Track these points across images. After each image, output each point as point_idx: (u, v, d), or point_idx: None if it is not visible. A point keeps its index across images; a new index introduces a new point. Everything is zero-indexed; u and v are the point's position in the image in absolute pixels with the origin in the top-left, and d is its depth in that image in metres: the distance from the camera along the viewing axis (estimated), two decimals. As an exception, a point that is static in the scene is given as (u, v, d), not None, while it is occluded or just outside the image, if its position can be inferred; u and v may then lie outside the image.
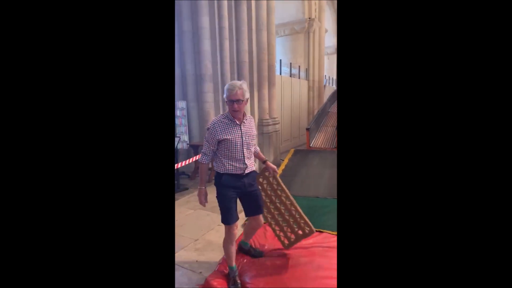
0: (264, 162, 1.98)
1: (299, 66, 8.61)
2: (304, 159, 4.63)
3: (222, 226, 2.86)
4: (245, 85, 1.64)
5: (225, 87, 1.64)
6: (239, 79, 4.81)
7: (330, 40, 13.57)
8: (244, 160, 1.69)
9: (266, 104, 5.30)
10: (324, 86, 10.42)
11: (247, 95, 1.65)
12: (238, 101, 1.59)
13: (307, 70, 9.04)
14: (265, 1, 5.02)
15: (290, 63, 8.13)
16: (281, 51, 8.84)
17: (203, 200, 1.77)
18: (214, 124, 1.66)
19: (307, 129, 5.74)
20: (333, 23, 13.64)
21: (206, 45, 4.33)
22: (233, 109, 1.62)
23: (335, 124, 6.44)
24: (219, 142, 1.66)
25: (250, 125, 1.73)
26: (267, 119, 5.25)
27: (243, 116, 1.70)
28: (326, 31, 10.76)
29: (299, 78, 8.37)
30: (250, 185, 1.78)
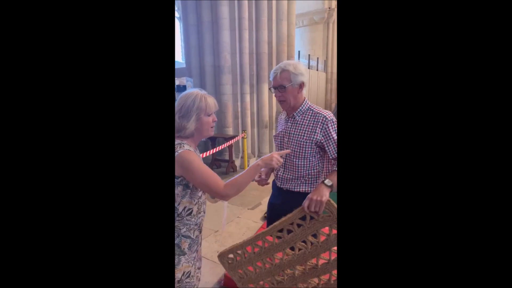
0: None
1: (318, 58, 8.41)
2: (323, 153, 4.54)
3: (242, 218, 2.87)
4: (298, 66, 1.18)
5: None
6: (258, 70, 4.75)
7: (349, 31, 13.15)
8: (279, 168, 1.26)
9: (284, 96, 5.22)
10: (343, 78, 10.15)
11: (301, 78, 1.16)
12: (280, 87, 1.17)
13: (325, 62, 8.82)
14: (285, -10, 4.89)
15: (309, 55, 7.96)
16: (299, 42, 8.65)
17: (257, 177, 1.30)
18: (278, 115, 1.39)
19: (326, 123, 5.61)
20: (353, 13, 13.17)
21: (226, 36, 4.28)
22: (277, 98, 1.22)
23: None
24: None
25: (303, 124, 1.18)
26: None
27: (296, 109, 1.20)
28: (346, 21, 10.42)
29: (317, 70, 8.19)
30: (283, 210, 1.11)
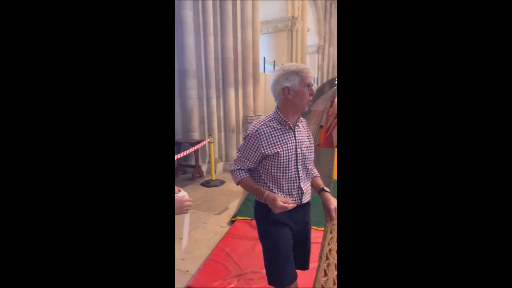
0: (320, 192, 1.21)
1: (282, 64, 8.67)
2: (288, 157, 4.68)
3: (209, 224, 2.83)
4: None
5: (290, 69, 1.09)
6: (223, 75, 4.76)
7: (312, 39, 13.75)
8: (299, 183, 1.14)
9: (250, 101, 5.29)
10: (306, 84, 10.56)
11: None
12: (312, 85, 1.11)
13: (290, 68, 9.10)
14: (250, -2, 5.00)
15: (274, 61, 8.17)
16: (264, 48, 8.84)
17: (282, 204, 1.07)
18: (258, 130, 1.10)
19: (291, 127, 5.79)
20: (315, 22, 13.83)
21: (190, 40, 4.24)
22: (310, 96, 1.10)
23: (317, 122, 6.55)
24: (265, 157, 1.11)
25: (305, 130, 1.20)
26: (252, 116, 5.25)
27: (298, 118, 1.16)
28: (308, 30, 10.90)
29: (282, 76, 8.42)
30: (306, 223, 1.21)
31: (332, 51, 15.30)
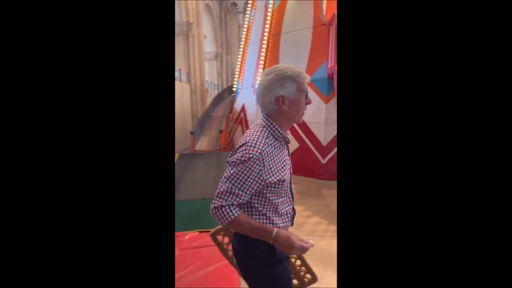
0: None
1: (180, 69, 8.48)
2: (190, 163, 4.63)
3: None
4: None
5: (285, 73, 0.87)
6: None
7: (209, 46, 14.02)
8: (292, 204, 1.00)
9: (145, 107, 4.94)
10: (207, 90, 10.71)
11: None
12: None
13: (188, 74, 9.01)
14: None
15: (170, 66, 7.91)
16: (159, 52, 8.45)
17: (300, 243, 0.83)
18: (262, 152, 0.84)
19: (192, 133, 5.76)
20: (211, 30, 14.18)
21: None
22: (306, 106, 0.93)
23: (218, 127, 6.73)
24: (267, 185, 0.87)
25: None
26: (147, 124, 4.91)
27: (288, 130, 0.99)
28: (205, 37, 11.09)
29: (180, 81, 8.25)
30: None
31: (230, 59, 16.04)
